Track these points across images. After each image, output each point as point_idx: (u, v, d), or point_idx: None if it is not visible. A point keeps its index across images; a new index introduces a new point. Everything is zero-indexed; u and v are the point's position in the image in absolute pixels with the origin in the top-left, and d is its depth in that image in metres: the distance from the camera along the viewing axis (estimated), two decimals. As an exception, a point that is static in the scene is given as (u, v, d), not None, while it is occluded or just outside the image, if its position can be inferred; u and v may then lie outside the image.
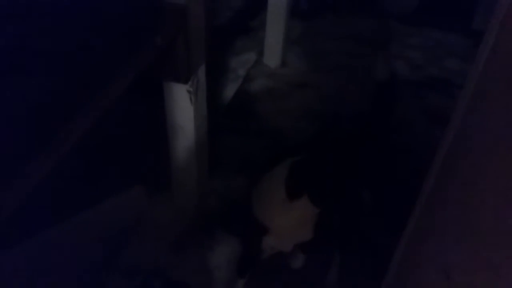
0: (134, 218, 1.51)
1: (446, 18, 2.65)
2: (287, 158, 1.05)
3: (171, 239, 1.46)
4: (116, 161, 1.56)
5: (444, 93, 2.09)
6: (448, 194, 0.83)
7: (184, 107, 1.27)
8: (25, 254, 1.21)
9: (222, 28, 2.53)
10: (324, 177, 0.99)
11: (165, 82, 1.23)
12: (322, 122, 1.86)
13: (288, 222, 1.04)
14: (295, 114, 1.95)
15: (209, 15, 2.32)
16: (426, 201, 0.88)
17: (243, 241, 1.38)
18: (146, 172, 1.58)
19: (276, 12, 2.13)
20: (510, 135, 0.67)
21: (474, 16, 2.62)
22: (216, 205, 1.57)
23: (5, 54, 0.83)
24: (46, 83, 0.79)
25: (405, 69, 2.31)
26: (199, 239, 1.44)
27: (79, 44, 0.89)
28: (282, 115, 1.96)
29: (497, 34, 0.67)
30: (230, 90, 2.16)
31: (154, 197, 1.55)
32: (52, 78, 0.80)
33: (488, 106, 0.73)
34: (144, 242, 1.46)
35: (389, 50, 2.42)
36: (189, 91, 1.23)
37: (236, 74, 2.27)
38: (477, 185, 0.73)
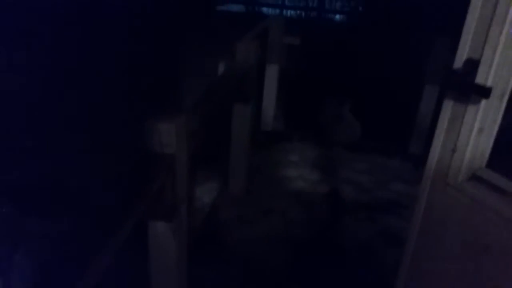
0: None
1: (387, 144, 3.00)
2: None
3: None
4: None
5: (394, 214, 2.30)
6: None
7: (167, 245, 1.34)
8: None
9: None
10: None
11: (150, 222, 1.31)
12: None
13: None
14: (264, 241, 2.05)
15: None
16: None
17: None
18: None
19: (239, 142, 2.35)
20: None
21: (411, 141, 3.00)
22: None
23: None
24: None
25: (355, 193, 2.53)
26: None
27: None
28: (251, 243, 2.05)
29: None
30: (197, 219, 2.23)
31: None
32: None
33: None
34: None
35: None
36: (171, 229, 1.31)
37: (202, 202, 2.37)
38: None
